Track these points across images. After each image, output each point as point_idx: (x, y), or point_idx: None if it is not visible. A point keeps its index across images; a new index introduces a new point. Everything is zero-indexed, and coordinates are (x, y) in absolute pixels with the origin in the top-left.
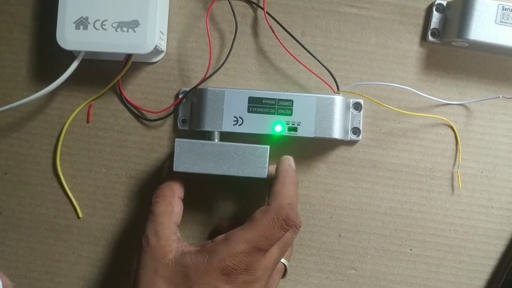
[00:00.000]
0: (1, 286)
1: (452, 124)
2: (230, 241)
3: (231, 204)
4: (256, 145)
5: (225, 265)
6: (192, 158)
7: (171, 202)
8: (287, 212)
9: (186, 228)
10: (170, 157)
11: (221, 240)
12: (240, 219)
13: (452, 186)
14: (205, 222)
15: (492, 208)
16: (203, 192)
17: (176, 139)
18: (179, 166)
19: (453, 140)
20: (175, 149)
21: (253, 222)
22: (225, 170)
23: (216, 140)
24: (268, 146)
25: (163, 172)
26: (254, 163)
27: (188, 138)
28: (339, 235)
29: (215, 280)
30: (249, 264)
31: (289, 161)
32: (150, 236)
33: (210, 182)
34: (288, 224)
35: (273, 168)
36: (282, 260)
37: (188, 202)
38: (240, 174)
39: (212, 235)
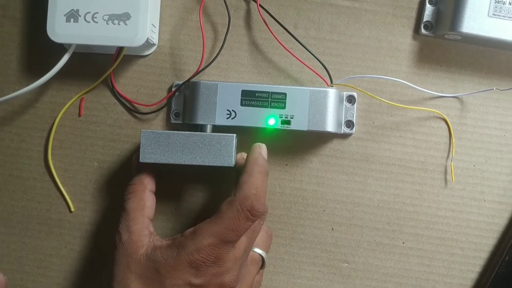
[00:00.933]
0: None
1: (445, 117)
2: (197, 234)
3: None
4: (222, 134)
5: (193, 258)
6: (159, 148)
7: (142, 197)
8: (252, 202)
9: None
10: (137, 150)
11: (189, 234)
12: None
13: (445, 179)
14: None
15: (484, 201)
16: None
17: (141, 130)
18: (145, 157)
19: (446, 133)
20: (141, 140)
21: (219, 214)
22: (192, 159)
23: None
24: (235, 135)
25: (132, 165)
26: (221, 152)
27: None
28: (332, 228)
29: (184, 274)
30: (217, 256)
31: (259, 149)
32: (122, 232)
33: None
34: (254, 215)
35: (243, 156)
36: (259, 251)
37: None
38: (207, 163)
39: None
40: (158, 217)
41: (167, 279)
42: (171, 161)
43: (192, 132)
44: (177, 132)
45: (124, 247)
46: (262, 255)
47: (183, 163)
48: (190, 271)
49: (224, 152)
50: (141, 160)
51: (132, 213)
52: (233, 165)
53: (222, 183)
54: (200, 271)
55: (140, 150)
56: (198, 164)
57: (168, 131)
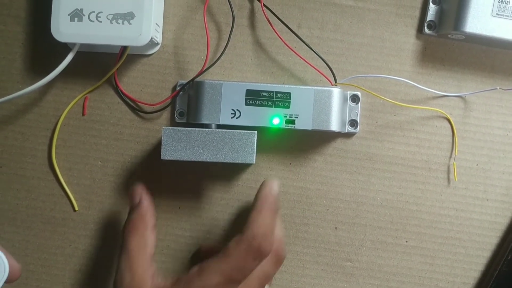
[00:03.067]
0: (7, 268)
1: (448, 116)
2: (204, 273)
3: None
4: (243, 131)
5: None
6: (180, 146)
7: (144, 234)
8: (260, 242)
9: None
10: (136, 182)
11: (195, 272)
12: (221, 243)
13: (448, 178)
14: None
15: (487, 200)
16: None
17: (163, 127)
18: (166, 154)
19: (449, 132)
20: (162, 137)
21: (227, 252)
22: (213, 156)
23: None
24: (255, 132)
25: (131, 195)
26: (242, 149)
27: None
28: (335, 228)
29: None
30: None
31: (270, 186)
32: (124, 273)
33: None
34: (261, 254)
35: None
36: None
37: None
38: (228, 160)
39: (194, 259)
40: (162, 216)
41: None
42: (192, 158)
43: (213, 129)
44: (198, 129)
45: None
46: None
47: (205, 160)
48: None
49: (245, 149)
50: (162, 157)
51: (134, 252)
52: (254, 162)
53: (228, 182)
54: None
55: (162, 147)
56: (219, 161)
57: (189, 128)
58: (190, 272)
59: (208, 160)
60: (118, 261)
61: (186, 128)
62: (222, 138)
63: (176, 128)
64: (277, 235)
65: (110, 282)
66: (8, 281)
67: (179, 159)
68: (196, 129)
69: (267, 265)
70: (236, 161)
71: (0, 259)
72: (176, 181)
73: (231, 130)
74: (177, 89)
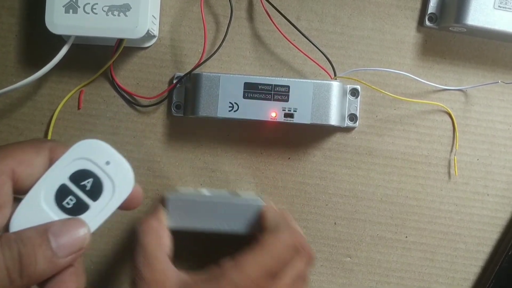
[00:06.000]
0: (132, 181)
1: (449, 110)
2: (241, 265)
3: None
4: (249, 202)
5: None
6: (185, 214)
7: (159, 232)
8: (299, 234)
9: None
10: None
11: (231, 265)
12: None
13: (448, 173)
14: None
15: (487, 195)
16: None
17: (167, 196)
18: (172, 223)
19: (450, 126)
20: (167, 207)
21: (264, 245)
22: (219, 225)
23: (204, 197)
24: (263, 204)
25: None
26: (247, 219)
27: (178, 193)
28: (335, 223)
29: None
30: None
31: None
32: (143, 270)
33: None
34: (301, 247)
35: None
36: None
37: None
38: (234, 231)
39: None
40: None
41: None
42: (198, 227)
43: (218, 199)
44: (203, 198)
45: (149, 286)
46: None
47: (210, 229)
48: None
49: (250, 219)
50: (169, 225)
51: (151, 249)
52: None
53: (225, 177)
54: None
55: (168, 216)
56: (225, 230)
57: (194, 197)
58: (223, 265)
59: (213, 228)
60: (133, 260)
61: (191, 198)
62: (228, 208)
63: (181, 197)
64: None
65: (108, 278)
66: (128, 204)
67: (185, 227)
68: (201, 197)
69: (301, 263)
70: (242, 232)
71: (125, 168)
72: (174, 176)
73: (237, 201)
74: (174, 81)
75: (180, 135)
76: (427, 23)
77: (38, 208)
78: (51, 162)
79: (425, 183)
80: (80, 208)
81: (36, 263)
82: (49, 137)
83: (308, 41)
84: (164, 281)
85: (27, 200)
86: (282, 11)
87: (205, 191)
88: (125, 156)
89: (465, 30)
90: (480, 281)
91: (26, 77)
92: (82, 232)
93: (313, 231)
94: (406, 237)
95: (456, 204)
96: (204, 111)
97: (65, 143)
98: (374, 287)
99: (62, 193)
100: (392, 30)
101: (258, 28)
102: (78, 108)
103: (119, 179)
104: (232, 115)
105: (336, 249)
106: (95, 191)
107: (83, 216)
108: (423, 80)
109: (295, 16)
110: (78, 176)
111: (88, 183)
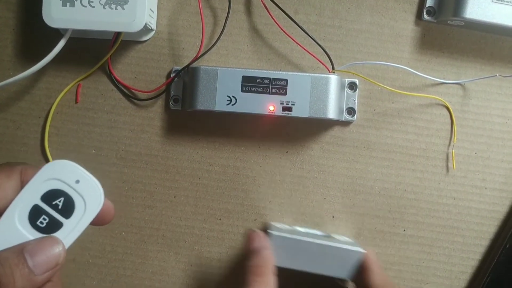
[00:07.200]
0: (102, 198)
1: (447, 104)
2: None
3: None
4: (351, 249)
5: None
6: (287, 253)
7: (269, 281)
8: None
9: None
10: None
11: None
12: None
13: (446, 166)
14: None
15: (485, 188)
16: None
17: (270, 232)
18: (277, 262)
19: (448, 120)
20: (271, 243)
21: None
22: (319, 268)
23: (307, 237)
24: (364, 251)
25: (251, 239)
26: (350, 266)
27: (279, 232)
28: (333, 216)
29: None
30: None
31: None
32: None
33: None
34: None
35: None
36: None
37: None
38: (334, 275)
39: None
40: (157, 205)
41: None
42: (297, 267)
43: (322, 242)
44: (305, 240)
45: None
46: None
47: (309, 271)
48: None
49: (352, 266)
50: (276, 263)
51: None
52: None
53: (223, 171)
54: None
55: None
56: (324, 274)
57: (295, 236)
58: None
59: (313, 271)
60: None
61: (294, 237)
62: (330, 252)
63: (284, 236)
64: None
65: (105, 271)
66: (100, 220)
67: (286, 266)
68: (303, 239)
69: None
70: (342, 277)
71: (94, 185)
72: (172, 170)
73: (340, 246)
74: (172, 75)
75: (178, 129)
76: (425, 16)
77: (13, 229)
78: (22, 184)
79: (423, 176)
80: (53, 226)
81: (14, 282)
82: (46, 131)
83: (306, 34)
84: None
85: (2, 222)
86: (280, 5)
87: (298, 228)
88: (122, 150)
89: (463, 23)
90: (477, 274)
91: (23, 71)
92: (57, 249)
93: (311, 225)
94: (404, 230)
95: (454, 197)
96: (202, 104)
97: (35, 166)
98: None
99: (35, 213)
100: (390, 23)
101: (256, 22)
102: (76, 102)
103: (90, 196)
104: (230, 108)
105: None
106: (67, 209)
107: (57, 234)
108: (421, 74)
109: (293, 10)
110: (50, 196)
111: (60, 202)
